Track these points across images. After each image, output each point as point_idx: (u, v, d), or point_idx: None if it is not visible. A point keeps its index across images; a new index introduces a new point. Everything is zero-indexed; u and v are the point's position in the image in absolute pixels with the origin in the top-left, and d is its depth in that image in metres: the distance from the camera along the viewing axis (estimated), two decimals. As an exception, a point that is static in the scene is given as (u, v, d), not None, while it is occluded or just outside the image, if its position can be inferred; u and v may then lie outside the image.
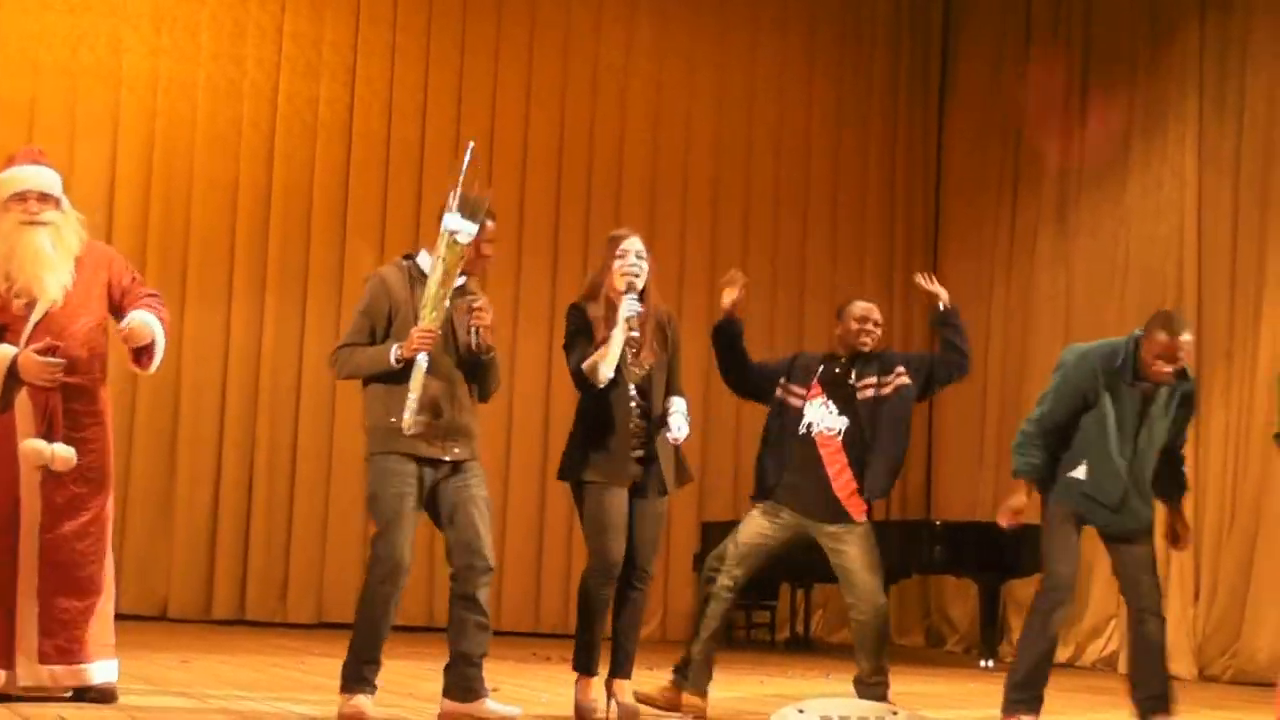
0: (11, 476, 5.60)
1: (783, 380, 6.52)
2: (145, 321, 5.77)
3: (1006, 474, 12.75)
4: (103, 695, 5.70)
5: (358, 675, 5.54)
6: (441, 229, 5.57)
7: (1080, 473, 6.10)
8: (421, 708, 6.05)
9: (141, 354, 5.82)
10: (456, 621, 5.61)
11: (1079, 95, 12.74)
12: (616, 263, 6.08)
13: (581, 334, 6.05)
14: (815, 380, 6.47)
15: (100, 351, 5.82)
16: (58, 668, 5.59)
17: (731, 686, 7.80)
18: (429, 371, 5.51)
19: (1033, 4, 13.31)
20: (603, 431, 5.99)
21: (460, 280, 5.70)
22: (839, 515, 6.40)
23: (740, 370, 6.62)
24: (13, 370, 5.60)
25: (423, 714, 5.86)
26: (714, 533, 12.17)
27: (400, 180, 12.88)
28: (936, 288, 6.64)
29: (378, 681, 5.61)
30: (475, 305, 5.66)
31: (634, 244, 6.12)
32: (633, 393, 6.04)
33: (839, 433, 6.41)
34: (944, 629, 13.42)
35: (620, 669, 6.10)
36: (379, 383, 5.62)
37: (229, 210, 12.51)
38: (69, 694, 5.68)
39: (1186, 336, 5.98)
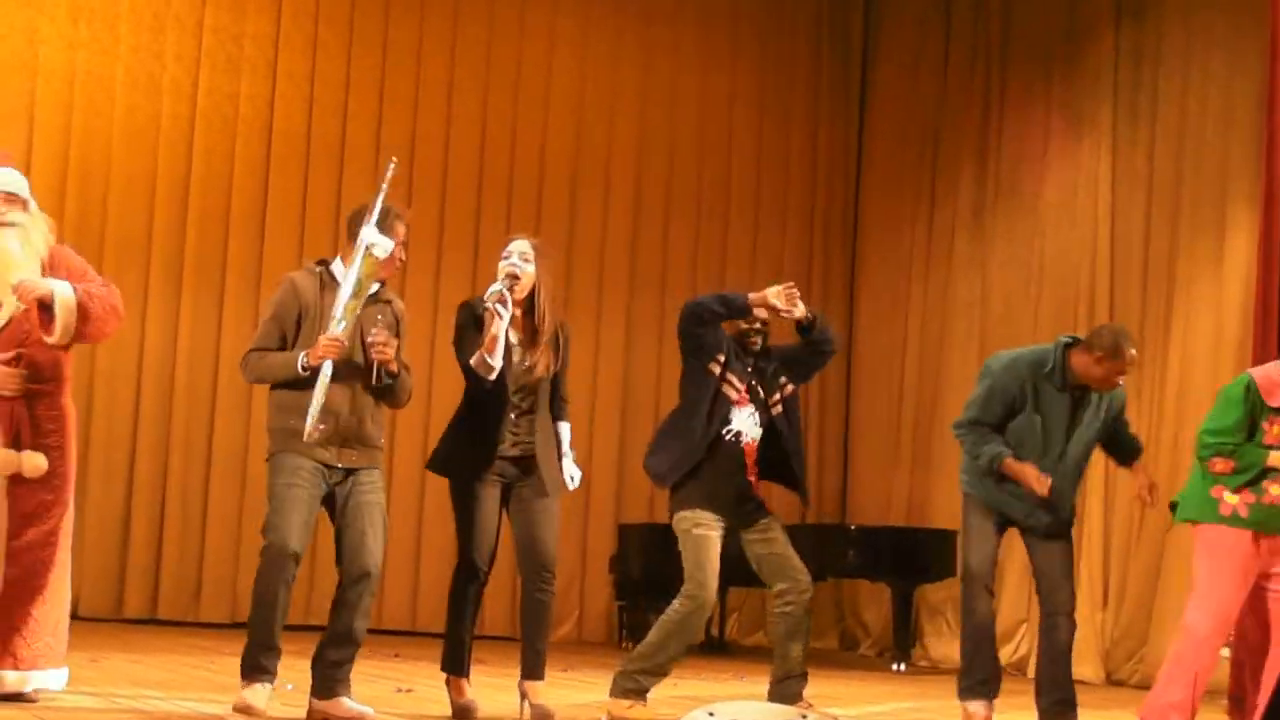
0: None
1: (722, 359, 6.39)
2: (51, 283, 5.70)
3: (921, 480, 13.02)
4: (27, 698, 5.70)
5: (255, 664, 5.57)
6: (358, 241, 5.62)
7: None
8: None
9: (49, 319, 5.74)
10: (331, 623, 5.70)
11: (997, 100, 12.90)
12: (501, 262, 6.15)
13: (470, 328, 6.10)
14: (745, 382, 6.43)
15: (63, 358, 5.82)
16: (8, 673, 5.63)
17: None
18: (333, 379, 5.54)
19: (952, 7, 13.45)
20: (479, 427, 6.04)
21: (375, 286, 5.72)
22: (761, 511, 6.46)
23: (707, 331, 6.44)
24: None
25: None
26: (630, 535, 12.23)
27: (320, 177, 12.82)
28: (796, 307, 6.38)
29: (278, 670, 5.63)
30: (375, 340, 5.67)
31: (519, 245, 6.19)
32: (514, 392, 6.08)
33: (756, 441, 6.47)
34: (858, 632, 13.53)
35: (532, 671, 6.14)
36: (285, 388, 5.66)
37: (146, 206, 12.41)
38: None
39: (1134, 350, 6.35)
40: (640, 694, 6.39)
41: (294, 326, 5.67)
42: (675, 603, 6.34)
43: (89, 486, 12.05)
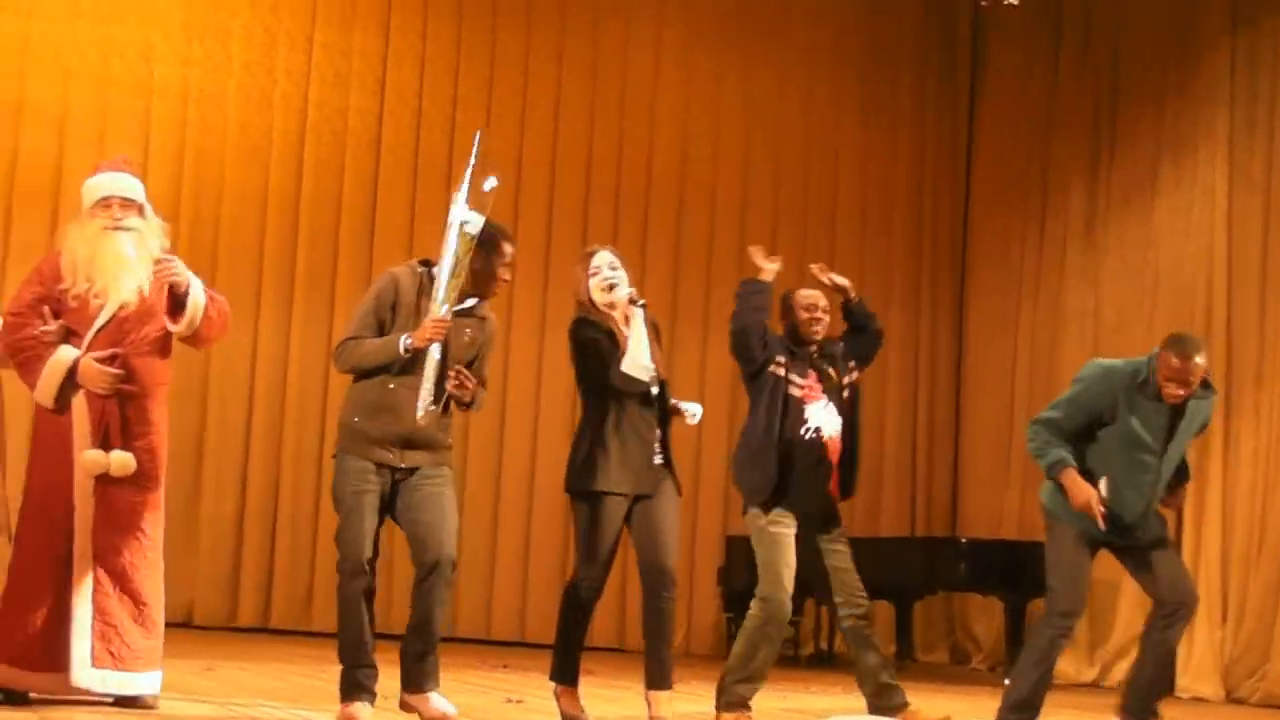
0: (65, 481, 5.69)
1: (780, 359, 6.37)
2: (190, 278, 5.85)
3: (1033, 492, 12.80)
4: (142, 704, 5.77)
5: (354, 682, 5.53)
6: (450, 219, 5.63)
7: (1101, 488, 6.07)
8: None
9: (178, 310, 5.86)
10: (411, 615, 5.63)
11: (1108, 109, 12.72)
12: (591, 280, 6.10)
13: (603, 341, 6.02)
14: (811, 375, 6.39)
15: (162, 362, 5.89)
16: (108, 674, 5.66)
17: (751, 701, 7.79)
18: (401, 382, 5.53)
19: (1063, 19, 13.29)
20: (625, 438, 5.97)
21: (471, 302, 5.73)
22: (835, 518, 6.41)
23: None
24: (71, 374, 5.68)
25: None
26: (738, 547, 12.18)
27: (428, 190, 12.90)
28: (837, 278, 6.60)
29: (377, 689, 5.57)
30: (457, 380, 5.61)
31: (605, 257, 6.16)
32: (653, 395, 6.05)
33: (838, 435, 6.41)
34: (968, 646, 13.38)
35: (657, 681, 6.08)
36: (366, 380, 5.62)
37: (258, 219, 12.57)
38: (110, 700, 5.75)
39: (1199, 360, 5.96)
40: (742, 704, 6.36)
41: (389, 316, 5.66)
42: (752, 607, 6.31)
43: (202, 495, 12.23)
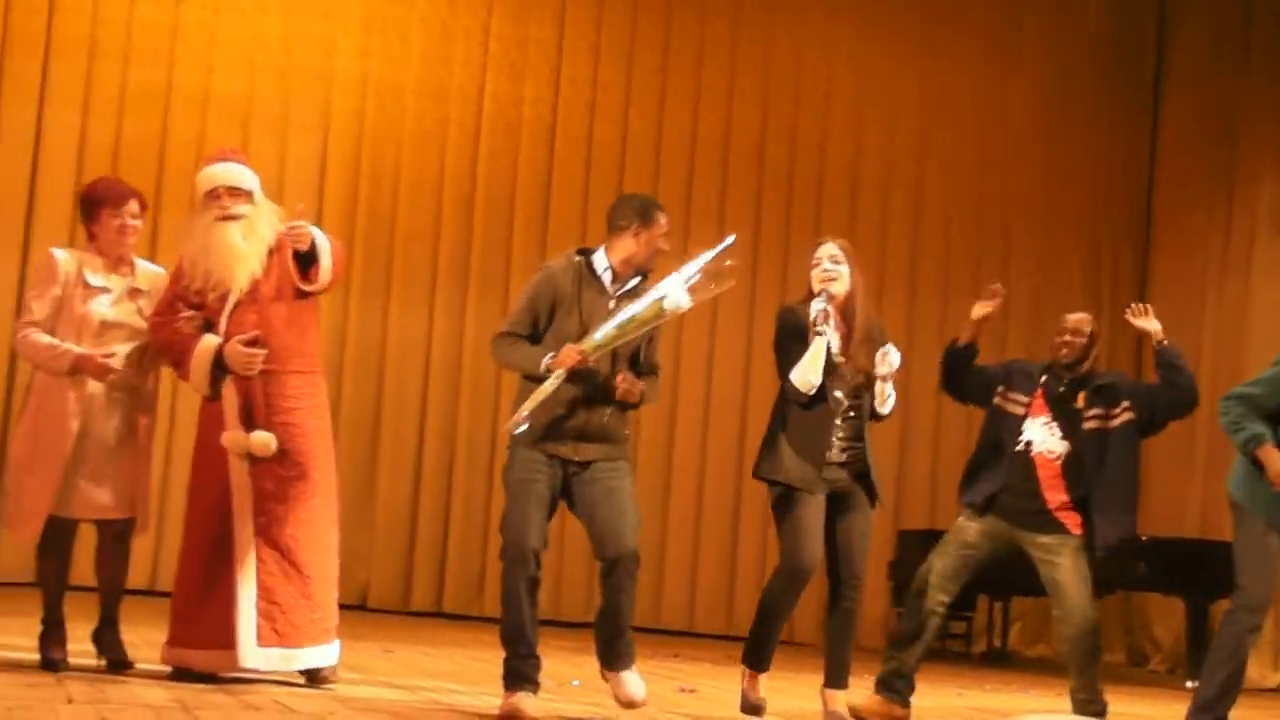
0: (222, 465, 5.78)
1: (1001, 388, 6.48)
2: (313, 232, 5.90)
3: (1217, 489, 12.55)
4: (321, 679, 5.85)
5: (515, 672, 5.49)
6: (660, 285, 5.55)
7: None
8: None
9: (309, 267, 5.93)
10: (600, 609, 5.62)
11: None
12: (812, 270, 6.00)
13: (793, 338, 5.94)
14: (1039, 394, 6.42)
15: (301, 338, 5.95)
16: (272, 651, 5.73)
17: (927, 697, 7.72)
18: (580, 372, 5.49)
19: (1253, 4, 12.99)
20: (806, 435, 5.92)
21: (635, 280, 5.71)
22: (1052, 526, 6.35)
23: (963, 383, 6.61)
24: (219, 360, 5.84)
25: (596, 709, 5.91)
26: (910, 541, 12.10)
27: (601, 179, 13.00)
28: (1150, 323, 6.51)
29: (540, 679, 5.55)
30: (625, 386, 5.58)
31: (828, 249, 6.01)
32: (840, 398, 5.93)
33: (1059, 457, 6.36)
34: (1147, 647, 13.15)
35: (835, 679, 6.03)
36: (530, 380, 5.61)
37: (434, 208, 12.76)
38: (294, 677, 5.85)
39: None
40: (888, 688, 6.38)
41: (548, 314, 5.61)
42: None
43: (378, 480, 12.46)
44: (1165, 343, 6.52)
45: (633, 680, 5.62)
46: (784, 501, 5.92)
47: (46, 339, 5.83)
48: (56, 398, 5.82)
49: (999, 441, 6.44)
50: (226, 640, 5.70)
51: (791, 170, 13.44)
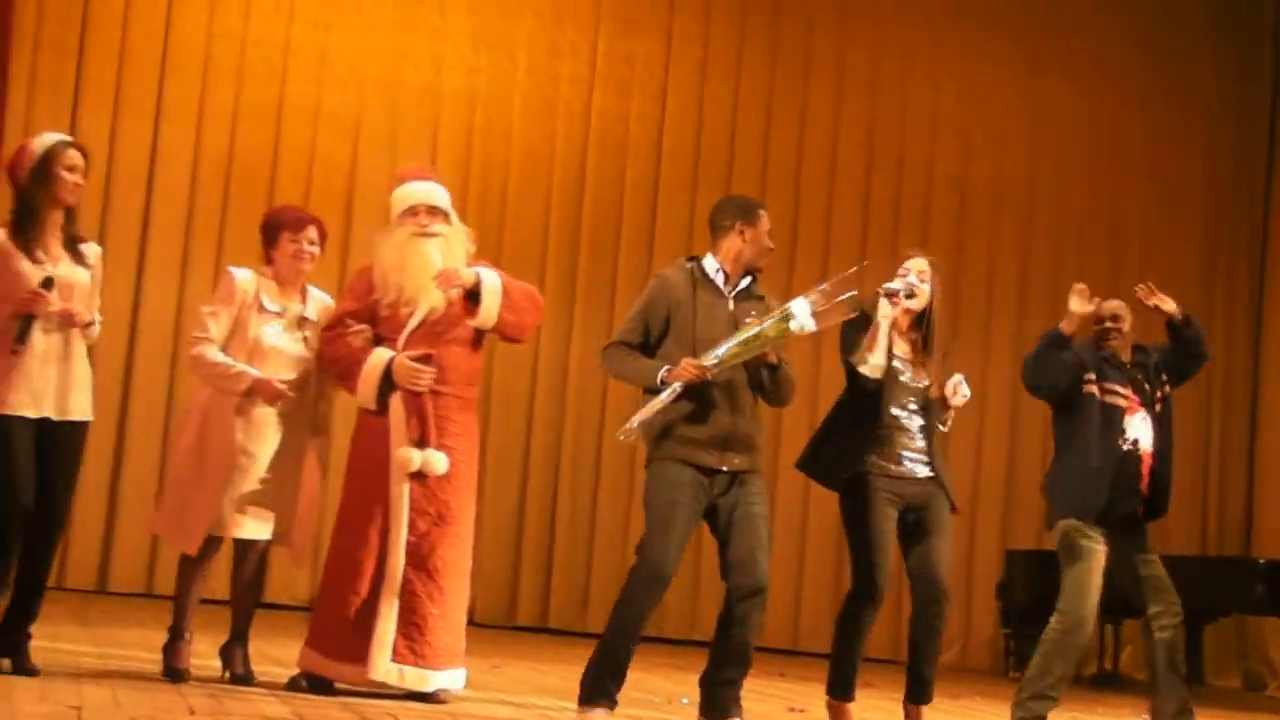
0: (383, 479, 5.83)
1: (1093, 376, 6.28)
2: (475, 270, 5.97)
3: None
4: (434, 698, 5.84)
5: (600, 687, 5.49)
6: (788, 306, 5.54)
7: None
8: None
9: (474, 303, 5.96)
10: (720, 640, 5.56)
11: None
12: (897, 280, 5.97)
13: (856, 327, 5.90)
14: (1129, 387, 6.30)
15: (473, 366, 6.03)
16: (408, 669, 5.77)
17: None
18: (716, 382, 5.50)
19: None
20: (857, 435, 5.86)
21: (747, 279, 5.73)
22: (1143, 528, 6.28)
23: (1054, 368, 6.36)
24: (388, 374, 5.89)
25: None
26: (1018, 561, 11.99)
27: (707, 195, 12.88)
28: (1165, 301, 6.37)
29: (618, 696, 5.53)
30: (769, 359, 5.60)
31: (917, 263, 6.04)
32: (912, 407, 5.94)
33: (1150, 450, 6.29)
34: (1263, 672, 12.91)
35: (919, 696, 5.97)
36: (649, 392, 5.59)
37: (541, 222, 12.82)
38: (402, 694, 5.85)
39: None
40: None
41: (662, 323, 5.63)
42: (1052, 620, 6.18)
43: (484, 494, 12.52)
44: (1189, 316, 6.40)
45: None
46: (853, 511, 5.87)
47: (222, 358, 5.88)
48: (225, 417, 5.86)
49: (1103, 439, 6.22)
50: (363, 654, 5.74)
51: (899, 189, 13.39)
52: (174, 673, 5.83)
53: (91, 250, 5.76)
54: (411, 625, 5.78)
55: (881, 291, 5.88)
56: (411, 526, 5.82)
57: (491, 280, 5.99)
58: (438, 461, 5.83)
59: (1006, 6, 13.62)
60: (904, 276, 6.00)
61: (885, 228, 13.27)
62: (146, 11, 12.12)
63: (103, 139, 11.76)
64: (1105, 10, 13.74)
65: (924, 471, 5.93)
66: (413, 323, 5.90)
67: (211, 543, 5.93)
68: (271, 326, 5.97)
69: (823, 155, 13.26)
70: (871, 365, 5.81)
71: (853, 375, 5.89)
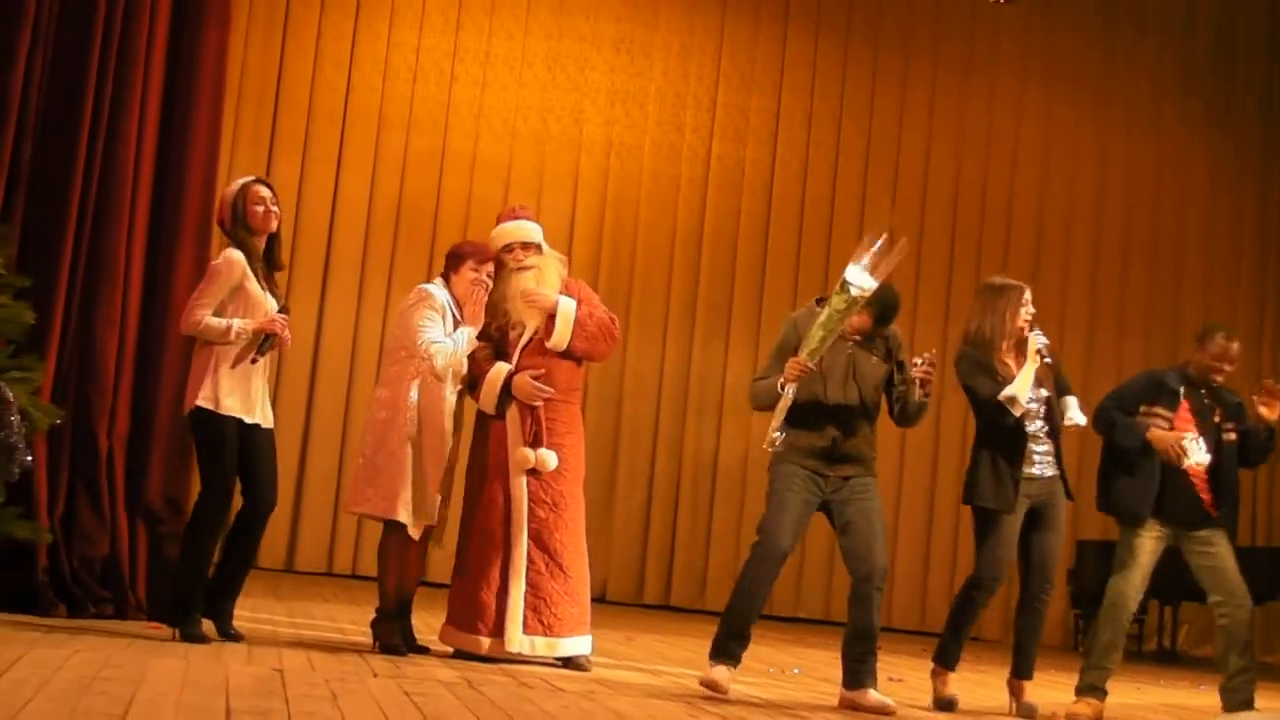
0: (505, 475, 5.97)
1: (1144, 407, 6.14)
2: (556, 297, 6.04)
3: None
4: (576, 665, 5.96)
5: (724, 648, 5.52)
6: (842, 276, 5.52)
7: None
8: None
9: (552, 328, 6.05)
10: (850, 620, 5.58)
11: None
12: (1021, 309, 5.96)
13: (981, 372, 5.92)
14: (1184, 406, 6.14)
15: (575, 373, 6.13)
16: (538, 639, 5.87)
17: (1110, 693, 7.57)
18: (822, 406, 5.54)
19: None
20: (1008, 459, 5.86)
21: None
22: (1207, 520, 6.15)
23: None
24: (507, 386, 6.01)
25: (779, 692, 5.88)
26: (1088, 550, 11.83)
27: (813, 231, 13.03)
28: (1273, 409, 6.07)
29: (743, 656, 5.56)
30: (922, 371, 5.61)
31: (1029, 294, 6.05)
32: (1041, 417, 5.92)
33: (1206, 467, 6.17)
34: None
35: (1023, 672, 5.99)
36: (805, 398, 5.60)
37: (666, 255, 12.90)
38: (552, 661, 5.95)
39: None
40: (1093, 690, 6.14)
41: (794, 354, 5.60)
42: (1105, 597, 6.09)
43: (616, 488, 12.60)
44: (1273, 431, 6.17)
45: (880, 696, 5.54)
46: (985, 521, 5.90)
47: (449, 343, 5.97)
48: (437, 410, 5.96)
49: (1149, 454, 6.07)
50: (499, 629, 5.86)
51: (982, 221, 13.30)
52: (391, 648, 5.89)
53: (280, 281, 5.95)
54: (539, 600, 5.89)
55: (1040, 347, 5.86)
56: (531, 515, 5.94)
57: (566, 308, 6.07)
58: (549, 458, 5.95)
59: (1079, 55, 13.46)
60: (1026, 305, 5.98)
61: (969, 256, 13.17)
62: (330, 73, 12.35)
63: (292, 183, 12.00)
64: (1166, 56, 13.59)
65: (1050, 471, 5.93)
66: (523, 341, 6.01)
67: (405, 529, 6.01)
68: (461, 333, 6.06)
69: (914, 192, 13.20)
70: (1022, 403, 5.79)
71: (993, 411, 5.85)
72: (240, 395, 5.64)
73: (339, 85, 12.36)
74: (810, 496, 5.58)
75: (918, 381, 5.63)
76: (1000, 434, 5.90)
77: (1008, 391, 5.82)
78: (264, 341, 5.64)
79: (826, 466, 5.59)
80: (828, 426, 5.60)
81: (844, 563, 5.63)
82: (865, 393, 5.68)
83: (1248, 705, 6.08)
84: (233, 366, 5.62)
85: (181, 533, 5.90)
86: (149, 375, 6.43)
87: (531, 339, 6.05)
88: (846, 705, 5.58)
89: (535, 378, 5.96)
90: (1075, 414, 5.93)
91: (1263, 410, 6.09)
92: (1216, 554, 6.09)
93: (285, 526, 11.89)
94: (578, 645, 6.01)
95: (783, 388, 5.53)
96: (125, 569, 6.23)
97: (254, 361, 5.63)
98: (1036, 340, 5.89)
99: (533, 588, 5.89)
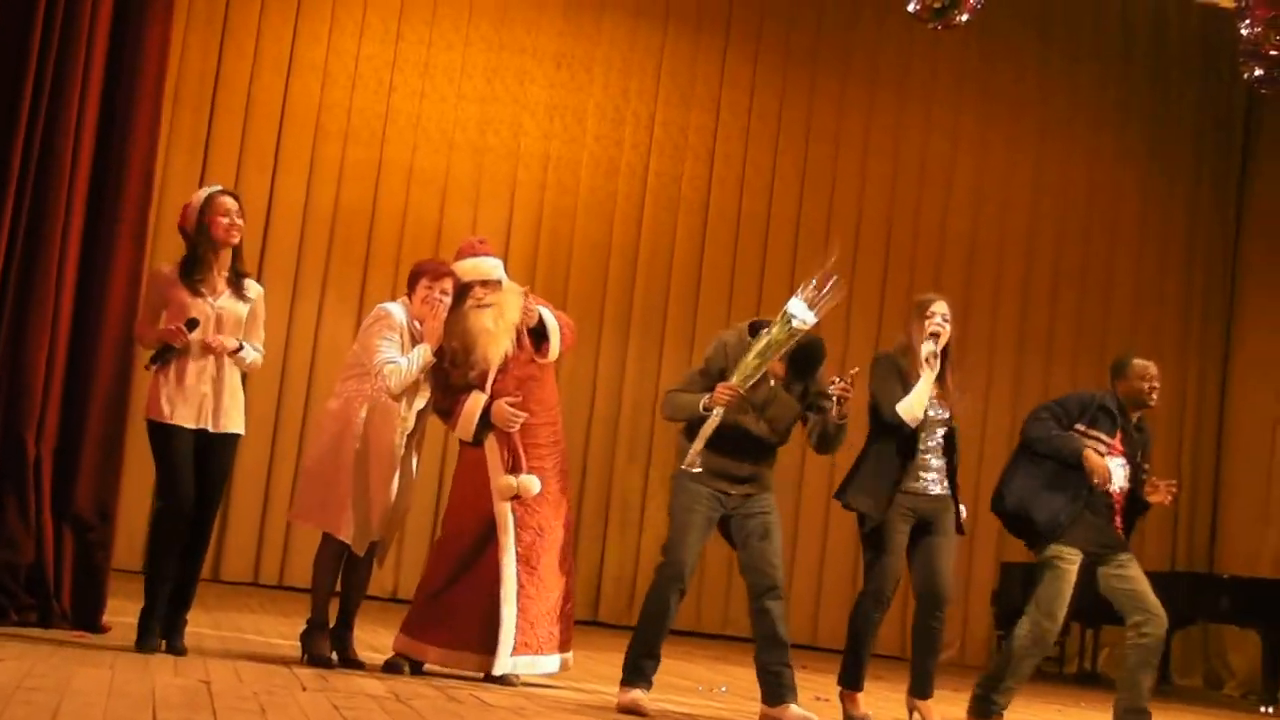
0: (487, 501, 5.96)
1: (1082, 426, 6.21)
2: (539, 310, 6.08)
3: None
4: (506, 680, 5.93)
5: (637, 669, 5.58)
6: (784, 308, 5.55)
7: None
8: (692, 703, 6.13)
9: (542, 341, 6.08)
10: (755, 633, 5.62)
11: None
12: (926, 321, 5.96)
13: (892, 378, 5.94)
14: (1119, 435, 6.23)
15: (551, 394, 6.16)
16: (521, 659, 5.91)
17: (1030, 714, 7.68)
18: (733, 426, 5.57)
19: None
20: (890, 468, 5.90)
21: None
22: (1121, 545, 6.21)
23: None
24: (485, 415, 5.98)
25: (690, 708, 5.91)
26: (1012, 572, 11.98)
27: (748, 249, 13.10)
28: (1165, 499, 6.28)
29: (654, 676, 5.62)
30: (840, 389, 5.62)
31: (941, 307, 6.01)
32: (939, 435, 5.96)
33: (1123, 492, 6.25)
34: (1223, 674, 12.87)
35: (921, 690, 6.02)
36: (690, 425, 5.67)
37: (602, 269, 12.92)
38: (481, 676, 5.94)
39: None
40: (998, 712, 6.22)
41: (717, 378, 5.64)
42: (1022, 626, 6.12)
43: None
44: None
45: (801, 710, 5.57)
46: (871, 534, 5.93)
47: (397, 357, 5.97)
48: (388, 427, 5.96)
49: (1079, 476, 6.12)
50: (469, 645, 5.88)
51: (915, 244, 13.45)
52: (319, 659, 5.89)
53: (254, 288, 5.90)
54: (525, 623, 5.91)
55: (925, 357, 5.87)
56: (518, 539, 5.93)
57: (552, 321, 6.12)
58: (532, 484, 5.94)
59: (1015, 84, 13.65)
60: (931, 318, 5.98)
61: (902, 279, 13.30)
62: (269, 77, 12.27)
63: (227, 187, 11.86)
64: (1106, 84, 13.78)
65: (937, 490, 5.96)
66: (492, 375, 6.01)
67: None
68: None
69: (849, 212, 13.31)
70: (916, 415, 5.84)
71: (890, 420, 5.89)
72: (193, 404, 5.62)
73: (277, 89, 12.28)
74: (712, 514, 5.64)
75: (835, 399, 5.63)
76: (890, 441, 5.92)
77: (901, 405, 5.85)
78: (162, 351, 5.61)
79: (728, 485, 5.65)
80: (737, 451, 5.64)
81: (743, 576, 5.69)
82: (778, 425, 5.73)
83: None
84: (156, 371, 5.63)
85: (110, 541, 5.86)
86: (80, 381, 6.34)
87: (503, 367, 6.01)
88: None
89: (511, 403, 5.96)
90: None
91: (1152, 498, 6.24)
92: (1133, 576, 6.18)
93: (212, 536, 11.76)
94: (553, 663, 6.07)
95: (708, 410, 5.54)
96: (50, 576, 6.16)
97: (147, 368, 5.65)
98: (925, 348, 5.89)
99: (523, 612, 5.91)
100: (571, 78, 12.91)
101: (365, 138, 12.44)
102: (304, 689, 5.00)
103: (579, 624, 11.92)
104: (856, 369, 5.79)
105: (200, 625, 7.21)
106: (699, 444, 5.54)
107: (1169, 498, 6.28)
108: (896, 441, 5.91)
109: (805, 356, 5.71)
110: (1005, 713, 6.26)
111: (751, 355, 5.53)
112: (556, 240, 12.83)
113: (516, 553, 5.91)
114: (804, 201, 13.21)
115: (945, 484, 5.97)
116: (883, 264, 13.35)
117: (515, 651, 5.87)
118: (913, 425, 5.86)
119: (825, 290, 5.57)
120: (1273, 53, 8.76)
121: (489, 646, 5.86)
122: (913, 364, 5.94)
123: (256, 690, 4.77)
